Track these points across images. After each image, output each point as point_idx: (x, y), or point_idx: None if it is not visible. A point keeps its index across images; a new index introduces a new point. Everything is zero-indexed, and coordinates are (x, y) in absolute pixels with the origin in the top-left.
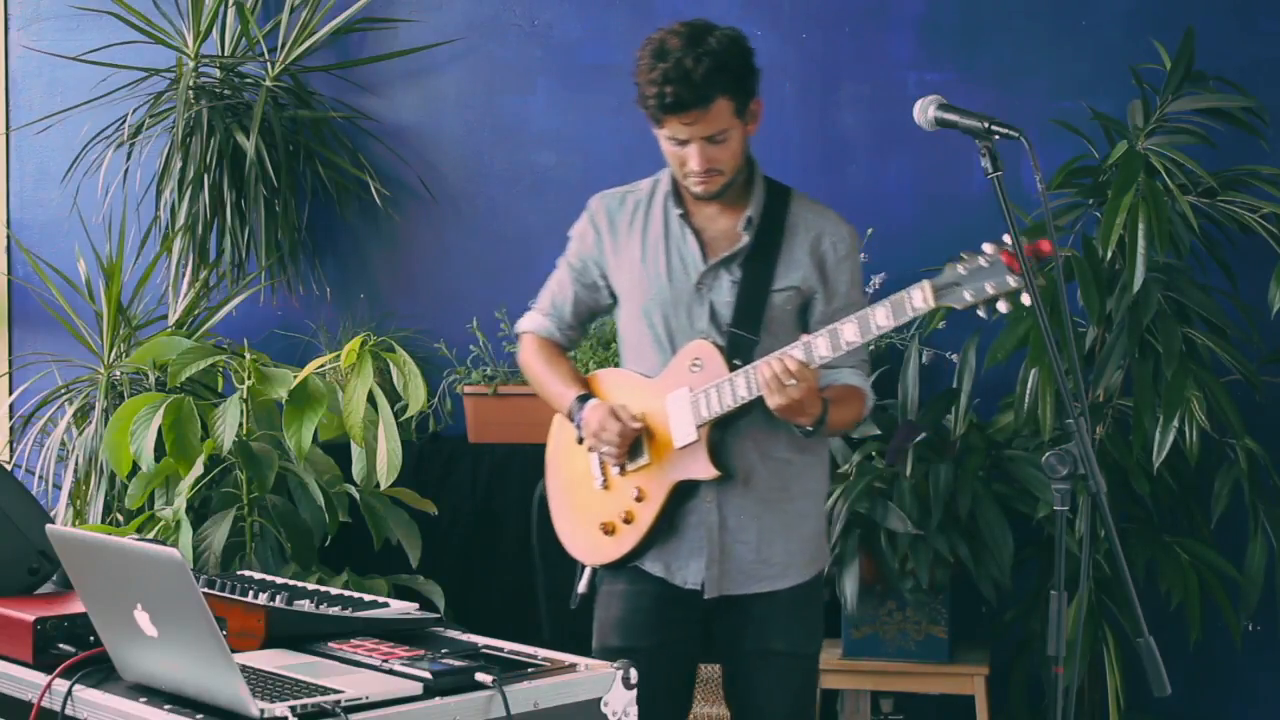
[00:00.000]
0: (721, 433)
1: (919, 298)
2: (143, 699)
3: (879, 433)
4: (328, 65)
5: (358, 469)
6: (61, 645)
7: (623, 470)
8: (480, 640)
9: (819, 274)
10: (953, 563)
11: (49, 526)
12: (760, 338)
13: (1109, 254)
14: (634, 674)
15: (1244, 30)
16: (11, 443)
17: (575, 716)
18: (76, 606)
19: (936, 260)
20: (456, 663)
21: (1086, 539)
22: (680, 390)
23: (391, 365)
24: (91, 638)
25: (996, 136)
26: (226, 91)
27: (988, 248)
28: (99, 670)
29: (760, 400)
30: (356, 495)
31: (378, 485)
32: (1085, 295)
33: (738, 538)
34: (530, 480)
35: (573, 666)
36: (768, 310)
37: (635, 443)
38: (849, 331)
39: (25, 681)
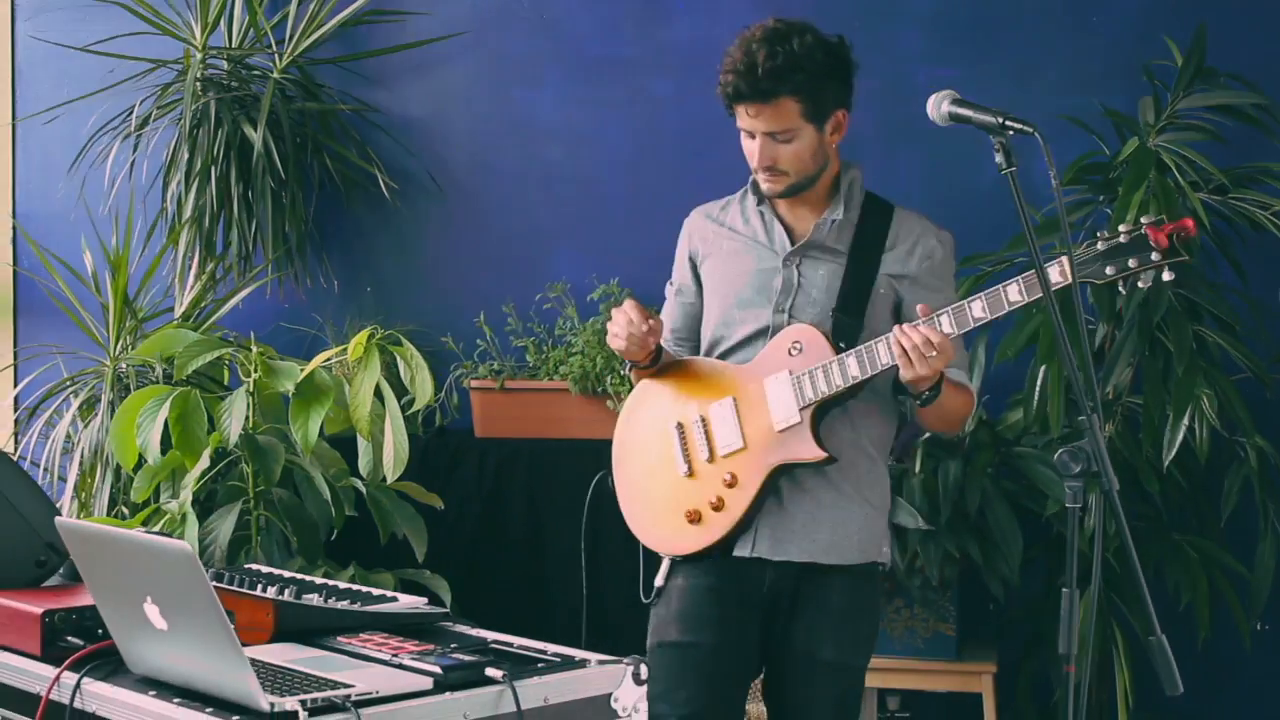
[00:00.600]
0: (820, 416)
1: (1056, 272)
2: (152, 692)
3: None
4: (335, 57)
5: (364, 463)
6: (70, 638)
7: (711, 457)
8: (489, 635)
9: (914, 274)
10: (961, 560)
11: (58, 519)
12: (864, 324)
13: None
14: (644, 670)
15: (1255, 27)
16: (17, 435)
17: (585, 712)
18: (85, 599)
19: None
20: (466, 657)
21: (1098, 537)
22: (780, 373)
23: (398, 359)
24: (100, 630)
25: (1011, 132)
26: (234, 83)
27: (1124, 226)
28: (107, 663)
29: (860, 385)
30: (363, 489)
31: (384, 479)
32: (1095, 292)
33: (803, 509)
34: (536, 475)
35: (583, 662)
36: (871, 300)
37: (728, 427)
38: (977, 308)
39: (33, 674)
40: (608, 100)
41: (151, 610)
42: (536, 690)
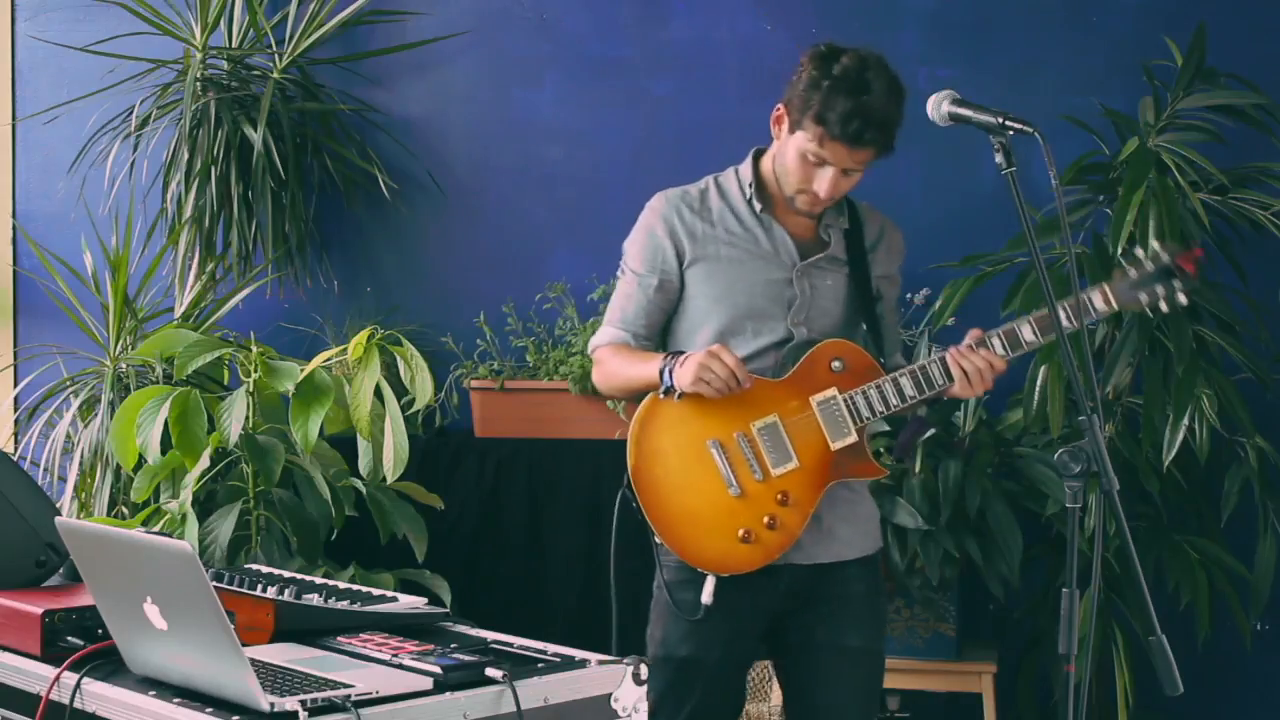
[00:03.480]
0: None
1: (1099, 300)
2: (152, 692)
3: (887, 429)
4: (335, 58)
5: (364, 463)
6: (70, 638)
7: (765, 476)
8: (489, 635)
9: (890, 273)
10: (961, 560)
11: (58, 519)
12: (881, 331)
13: (1119, 250)
14: (644, 670)
15: (1256, 27)
16: (17, 435)
17: (586, 712)
18: (85, 599)
19: (947, 256)
20: (467, 658)
21: (1098, 537)
22: (827, 391)
23: (398, 359)
24: (100, 630)
25: (1011, 132)
26: (234, 83)
27: (1142, 253)
28: (108, 663)
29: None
30: (363, 489)
31: (384, 479)
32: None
33: (828, 513)
34: (536, 475)
35: (583, 662)
36: (876, 304)
37: (778, 446)
38: (1027, 332)
39: (33, 674)
40: (607, 100)
41: (151, 610)
42: (536, 690)
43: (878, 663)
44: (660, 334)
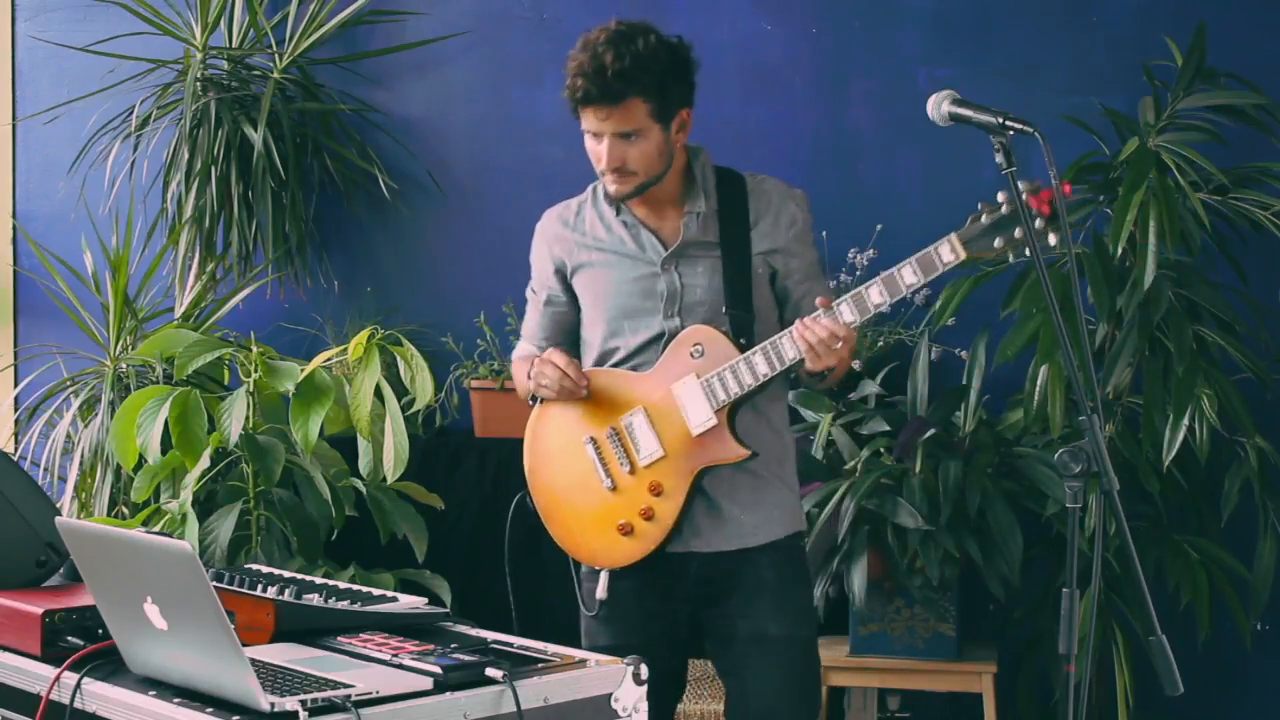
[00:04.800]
0: (733, 414)
1: (947, 250)
2: (152, 692)
3: (888, 429)
4: (335, 58)
5: (364, 463)
6: (70, 638)
7: (633, 469)
8: (489, 635)
9: (784, 245)
10: (961, 560)
11: (58, 519)
12: (754, 312)
13: (1119, 251)
14: (644, 670)
15: (1256, 27)
16: (17, 435)
17: (586, 712)
18: (85, 599)
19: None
20: (467, 658)
21: (1098, 537)
22: (687, 378)
23: (399, 359)
24: (100, 630)
25: (1011, 132)
26: (234, 83)
27: (1003, 196)
28: (108, 663)
29: (770, 381)
30: (363, 489)
31: (384, 479)
32: (1095, 292)
33: (727, 500)
34: None
35: (583, 662)
36: (754, 285)
37: (644, 437)
38: (874, 294)
39: (33, 674)
40: None
41: (151, 610)
42: (536, 690)
43: (803, 649)
44: (572, 343)
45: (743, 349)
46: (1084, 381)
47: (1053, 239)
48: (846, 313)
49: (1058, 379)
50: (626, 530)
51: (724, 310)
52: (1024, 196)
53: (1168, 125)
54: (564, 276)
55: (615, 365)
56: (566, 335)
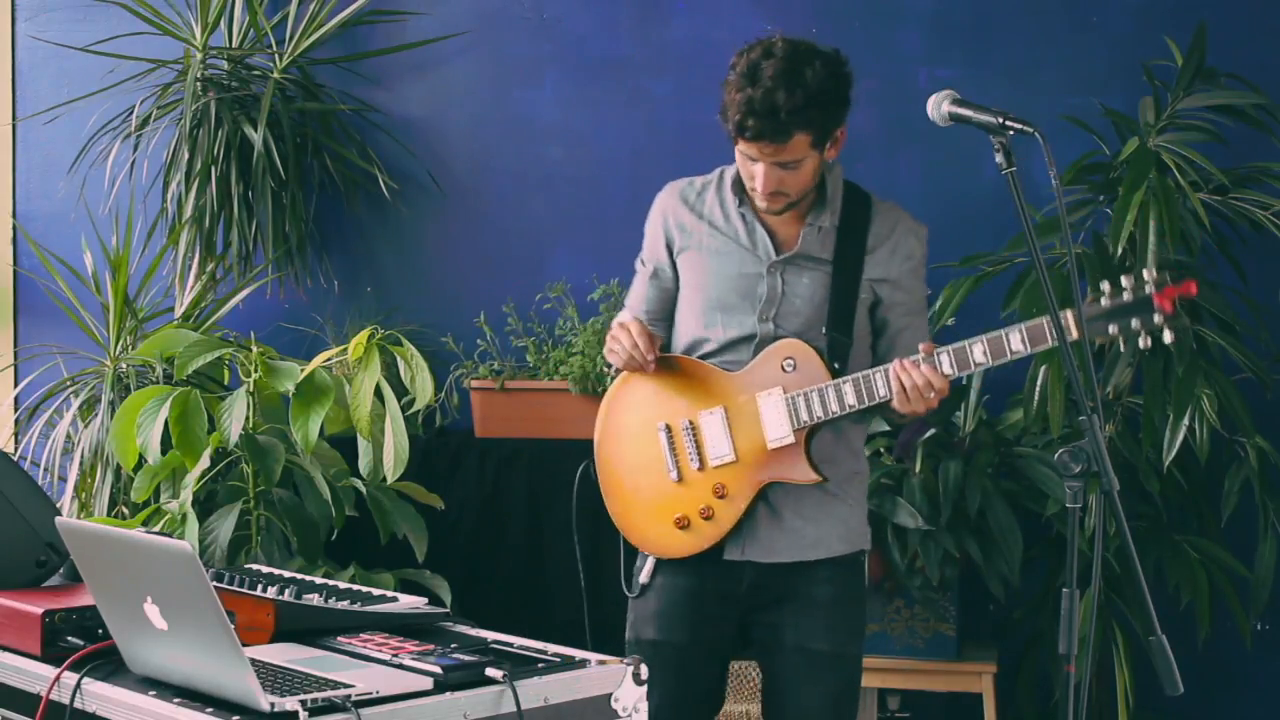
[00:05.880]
0: (811, 435)
1: (1071, 325)
2: (152, 692)
3: (887, 429)
4: (335, 58)
5: (364, 463)
6: (70, 638)
7: (702, 465)
8: (489, 635)
9: (896, 277)
10: (961, 560)
11: (58, 519)
12: (853, 340)
13: (1120, 251)
14: (644, 670)
15: (1256, 27)
16: (17, 435)
17: (586, 712)
18: (85, 599)
19: (947, 256)
20: (467, 658)
21: (1098, 537)
22: (774, 389)
23: (399, 359)
24: (100, 630)
25: (1011, 132)
26: (234, 83)
27: (1128, 281)
28: (108, 663)
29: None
30: (363, 489)
31: (384, 479)
32: (1095, 293)
33: (791, 513)
34: (536, 475)
35: (583, 662)
36: (856, 310)
37: (719, 437)
38: (978, 353)
39: (33, 674)
40: (607, 100)
41: (151, 610)
42: (536, 690)
43: (850, 668)
44: (670, 318)
45: (834, 374)
46: (1084, 381)
47: (1168, 337)
48: (946, 364)
49: (1058, 379)
50: (683, 524)
51: (823, 330)
52: (1148, 290)
53: (1168, 125)
54: (672, 252)
55: (703, 357)
56: (670, 310)
